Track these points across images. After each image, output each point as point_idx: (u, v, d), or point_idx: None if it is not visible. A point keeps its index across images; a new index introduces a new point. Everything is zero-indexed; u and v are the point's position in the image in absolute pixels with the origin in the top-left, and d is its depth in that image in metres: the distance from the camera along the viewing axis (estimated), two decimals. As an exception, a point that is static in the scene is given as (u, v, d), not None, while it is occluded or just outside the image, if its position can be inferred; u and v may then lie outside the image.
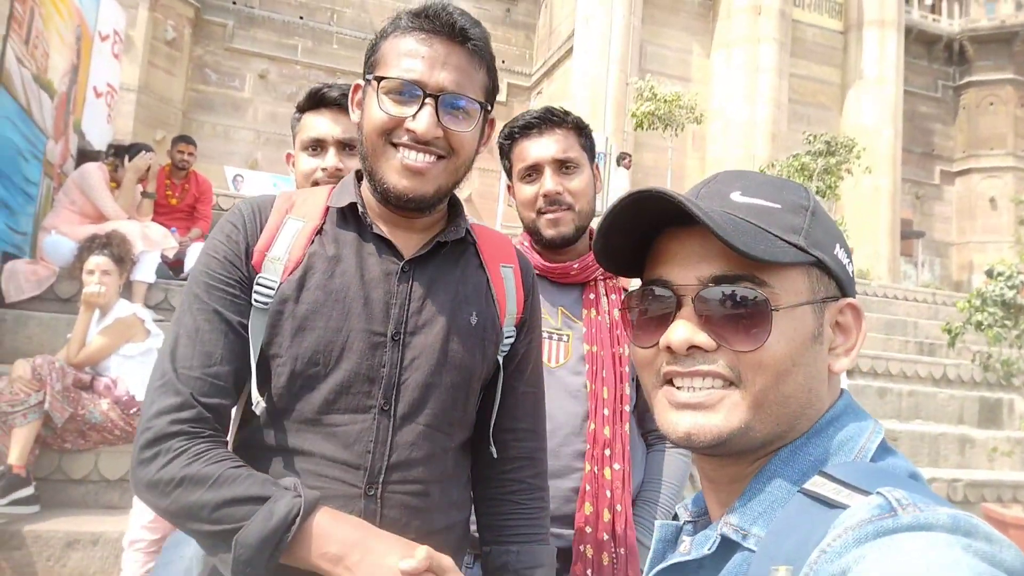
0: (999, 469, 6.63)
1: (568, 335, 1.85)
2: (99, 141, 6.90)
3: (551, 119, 1.84)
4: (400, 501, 1.19)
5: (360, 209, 1.26)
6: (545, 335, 1.80)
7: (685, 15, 17.19)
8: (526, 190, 1.85)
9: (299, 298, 1.20)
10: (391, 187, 1.19)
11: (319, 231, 1.26)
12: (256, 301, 1.20)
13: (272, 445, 1.19)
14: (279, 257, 1.22)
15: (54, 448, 3.84)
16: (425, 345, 1.23)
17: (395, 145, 1.19)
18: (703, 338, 0.73)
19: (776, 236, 0.74)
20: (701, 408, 0.73)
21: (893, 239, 18.62)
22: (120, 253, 4.23)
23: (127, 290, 4.39)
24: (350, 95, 1.30)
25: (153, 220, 5.83)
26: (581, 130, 1.88)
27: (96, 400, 3.87)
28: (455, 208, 1.35)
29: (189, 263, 5.79)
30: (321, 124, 1.80)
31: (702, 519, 0.84)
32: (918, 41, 23.75)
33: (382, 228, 1.27)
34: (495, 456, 1.36)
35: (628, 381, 1.84)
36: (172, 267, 5.86)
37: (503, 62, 17.80)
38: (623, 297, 0.83)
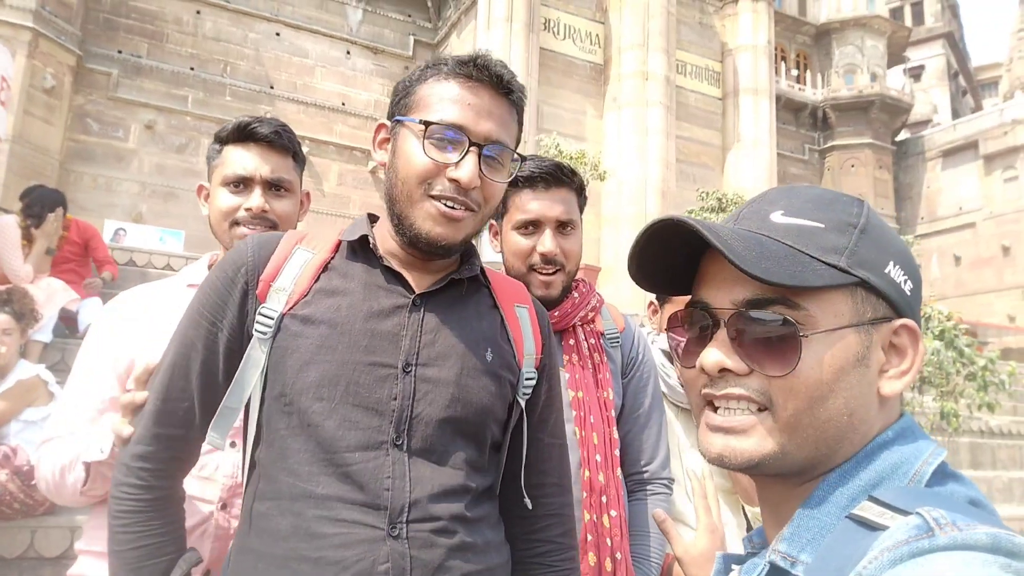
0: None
1: None
2: (-20, 191, 6.39)
3: (560, 177, 1.81)
4: (428, 540, 1.11)
5: (372, 242, 1.24)
6: None
7: (578, 78, 17.92)
8: (521, 242, 1.81)
9: (304, 332, 1.16)
10: (423, 233, 1.18)
11: (327, 265, 1.24)
12: (257, 331, 1.18)
13: (285, 493, 1.12)
14: (284, 288, 1.20)
15: (-59, 527, 3.44)
16: (438, 378, 1.19)
17: (431, 196, 1.17)
18: (734, 362, 0.73)
19: (814, 257, 0.71)
20: (733, 432, 0.73)
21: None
22: (21, 309, 3.90)
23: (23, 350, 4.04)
24: (373, 135, 1.29)
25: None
26: (581, 191, 1.89)
27: (-8, 471, 3.50)
28: (467, 249, 1.32)
29: (84, 320, 5.39)
30: (248, 161, 1.67)
31: (763, 552, 0.82)
32: (786, 108, 25.75)
33: (392, 263, 1.24)
34: (529, 508, 1.31)
35: (615, 425, 1.82)
36: (68, 325, 5.44)
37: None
38: (669, 316, 0.84)
